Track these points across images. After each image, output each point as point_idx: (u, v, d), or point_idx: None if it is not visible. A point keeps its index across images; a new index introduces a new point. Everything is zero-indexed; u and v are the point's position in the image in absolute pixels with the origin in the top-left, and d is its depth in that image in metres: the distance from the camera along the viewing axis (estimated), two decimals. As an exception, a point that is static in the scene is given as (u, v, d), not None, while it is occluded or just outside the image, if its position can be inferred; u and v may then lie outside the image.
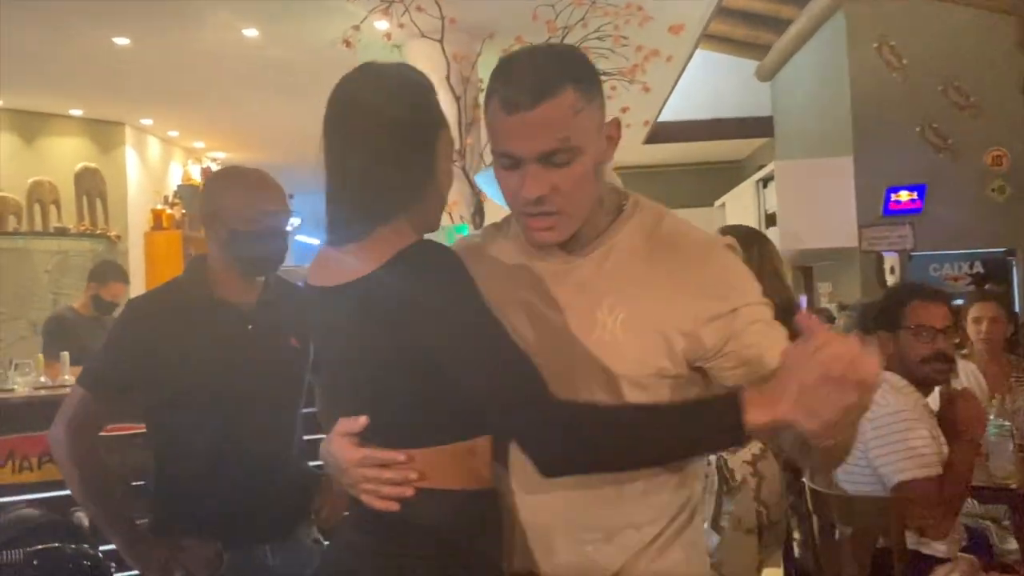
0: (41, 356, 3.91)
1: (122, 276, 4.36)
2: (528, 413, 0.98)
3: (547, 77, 1.05)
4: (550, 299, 1.11)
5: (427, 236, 1.09)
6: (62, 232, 5.19)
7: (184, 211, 6.08)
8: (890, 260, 5.13)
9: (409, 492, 1.01)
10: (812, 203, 5.09)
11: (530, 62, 1.07)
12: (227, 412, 1.49)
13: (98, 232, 5.31)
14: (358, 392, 1.06)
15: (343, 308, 1.05)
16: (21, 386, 3.36)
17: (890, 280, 5.06)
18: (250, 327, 1.54)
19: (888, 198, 5.14)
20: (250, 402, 1.50)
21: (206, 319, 1.53)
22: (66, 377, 3.68)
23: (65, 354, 3.77)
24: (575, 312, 1.09)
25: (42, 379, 3.61)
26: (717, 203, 6.97)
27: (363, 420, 1.03)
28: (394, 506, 1.02)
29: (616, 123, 1.11)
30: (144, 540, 1.55)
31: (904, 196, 5.16)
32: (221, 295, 1.56)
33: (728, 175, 7.76)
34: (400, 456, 1.01)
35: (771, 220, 5.42)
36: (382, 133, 1.05)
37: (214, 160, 6.81)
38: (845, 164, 5.14)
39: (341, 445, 1.04)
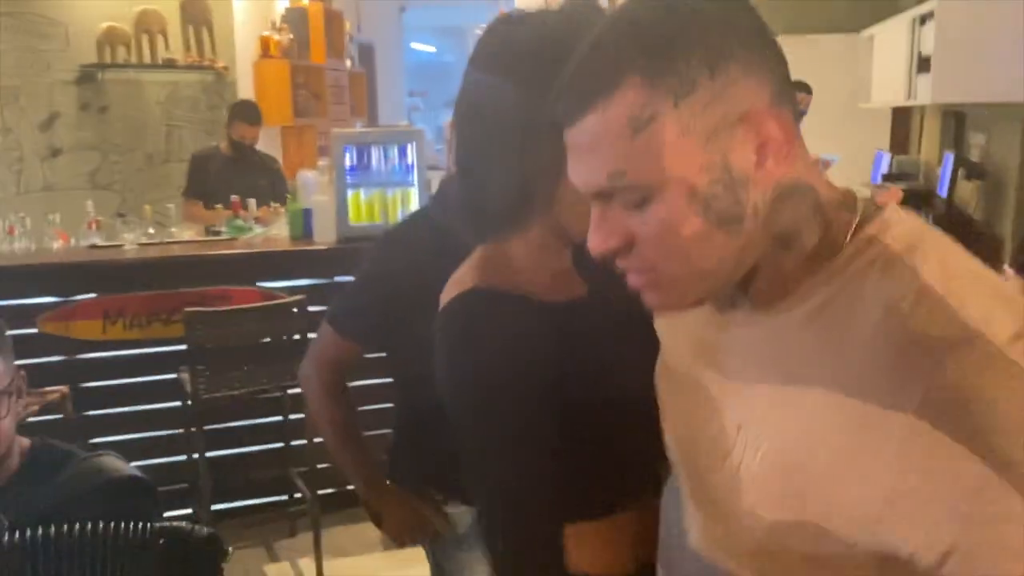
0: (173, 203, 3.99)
1: (245, 115, 4.38)
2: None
3: (599, 66, 0.66)
4: (705, 371, 0.78)
5: None
6: (171, 64, 5.12)
7: (292, 36, 5.91)
8: (1061, 120, 4.50)
9: None
10: (976, 49, 4.44)
11: (594, 33, 0.69)
12: None
13: (205, 63, 5.22)
14: None
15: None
16: (129, 243, 3.43)
17: (1056, 143, 4.46)
18: None
19: (1070, 45, 4.43)
20: None
21: None
22: (172, 229, 3.74)
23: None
24: (717, 405, 0.75)
25: (150, 231, 3.68)
26: (864, 33, 6.25)
27: None
28: None
29: (774, 114, 0.67)
30: (388, 489, 1.55)
31: (1089, 43, 4.43)
32: None
33: (881, 2, 6.90)
34: None
35: (924, 65, 4.80)
36: None
37: (322, -21, 6.49)
38: (1019, 7, 4.42)
39: None
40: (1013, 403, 0.58)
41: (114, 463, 1.52)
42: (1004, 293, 0.65)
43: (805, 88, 5.32)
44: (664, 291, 0.72)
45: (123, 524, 1.36)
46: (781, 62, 0.70)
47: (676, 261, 0.69)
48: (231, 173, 4.29)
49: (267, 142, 5.71)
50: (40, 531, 1.29)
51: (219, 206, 3.96)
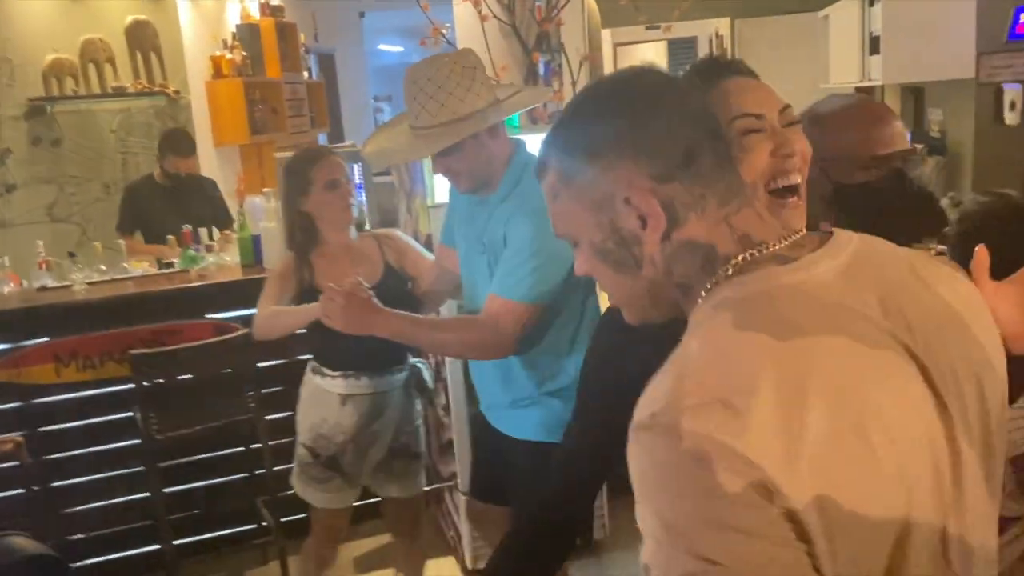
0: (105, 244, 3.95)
1: (176, 148, 4.32)
2: None
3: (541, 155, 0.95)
4: None
5: None
6: (121, 92, 5.08)
7: (244, 54, 5.86)
8: (1011, 94, 4.49)
9: None
10: (924, 26, 4.43)
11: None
12: None
13: (156, 88, 5.18)
14: None
15: None
16: (78, 283, 3.40)
17: (1009, 117, 4.46)
18: None
19: (1016, 19, 4.42)
20: None
21: None
22: (124, 265, 3.71)
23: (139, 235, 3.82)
24: None
25: (102, 267, 3.65)
26: (821, 13, 6.24)
27: None
28: None
29: (655, 190, 0.85)
30: None
31: (1036, 16, 4.43)
32: None
33: (837, -21, 6.89)
34: None
35: (875, 45, 4.79)
36: None
37: (273, -8, 6.43)
38: (967, -22, 4.41)
39: None
40: (637, 474, 0.74)
41: (21, 543, 1.50)
42: (712, 376, 0.74)
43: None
44: (623, 311, 0.96)
45: None
46: (676, 144, 0.85)
47: (608, 292, 0.95)
48: (168, 203, 4.23)
49: (226, 161, 5.69)
50: None
51: (171, 237, 3.92)
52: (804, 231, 0.90)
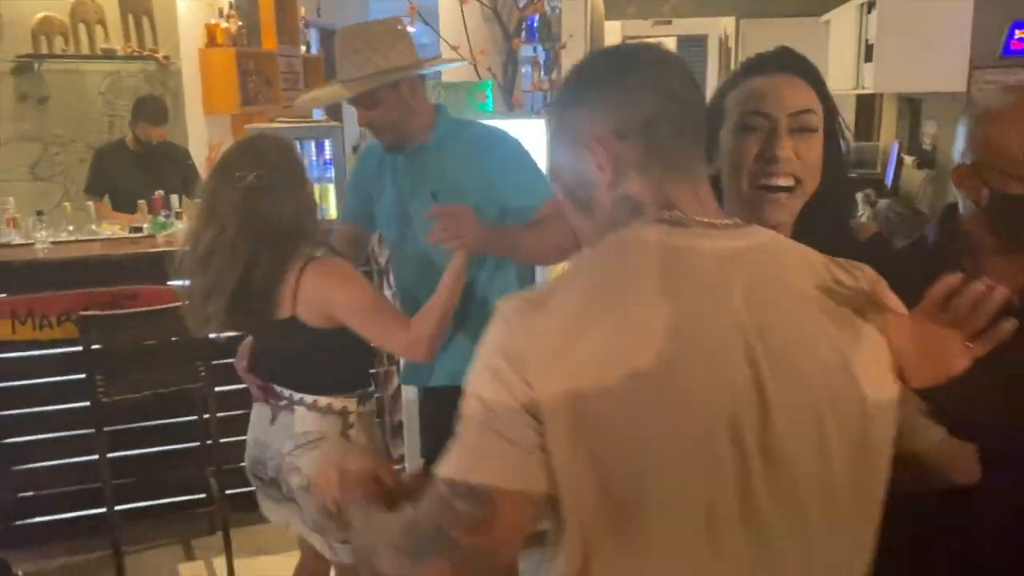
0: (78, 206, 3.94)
1: (148, 115, 4.30)
2: None
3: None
4: None
5: None
6: (110, 55, 5.07)
7: (240, 24, 5.84)
8: (1002, 110, 4.44)
9: None
10: (918, 38, 4.37)
11: None
12: None
13: (146, 53, 5.17)
14: None
15: None
16: (40, 242, 3.40)
17: (998, 133, 4.41)
18: None
19: (1011, 35, 4.37)
20: None
21: None
22: (92, 227, 3.71)
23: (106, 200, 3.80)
24: None
25: (70, 228, 3.65)
26: (823, 18, 6.18)
27: None
28: None
29: (608, 145, 1.00)
30: None
31: (1030, 33, 4.38)
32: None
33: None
34: None
35: (869, 53, 4.73)
36: None
37: (275, -36, 6.40)
38: (963, -8, 4.35)
39: None
40: None
41: None
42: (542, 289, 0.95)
43: None
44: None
45: None
46: (638, 110, 0.95)
47: (574, 229, 1.04)
48: (138, 169, 4.23)
49: (216, 130, 5.67)
50: None
51: (142, 202, 3.92)
52: (738, 221, 0.98)
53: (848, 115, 6.55)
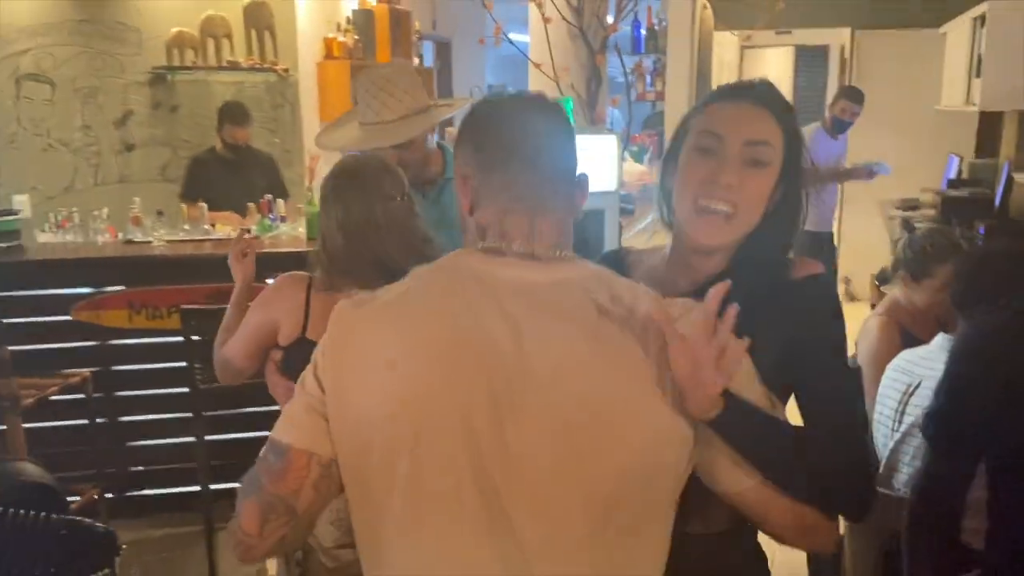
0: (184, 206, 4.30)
1: (232, 118, 4.58)
2: None
3: None
4: None
5: None
6: (234, 66, 5.46)
7: (356, 38, 6.15)
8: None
9: None
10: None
11: None
12: None
13: (267, 66, 5.53)
14: None
15: None
16: (158, 239, 3.73)
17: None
18: None
19: None
20: None
21: None
22: (205, 227, 4.03)
23: (203, 205, 4.12)
24: None
25: (186, 227, 3.98)
26: (941, 29, 5.95)
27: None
28: None
29: (470, 183, 1.16)
30: None
31: None
32: None
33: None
34: None
35: (980, 68, 4.55)
36: None
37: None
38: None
39: None
40: None
41: (28, 468, 1.73)
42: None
43: (853, 96, 5.14)
44: None
45: (30, 512, 1.56)
46: (487, 154, 1.11)
47: None
48: (228, 174, 4.52)
49: (327, 139, 6.00)
50: None
51: (251, 205, 4.22)
52: (568, 255, 1.11)
53: (968, 131, 6.29)
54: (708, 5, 6.34)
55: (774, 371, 1.14)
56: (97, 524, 1.61)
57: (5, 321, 3.20)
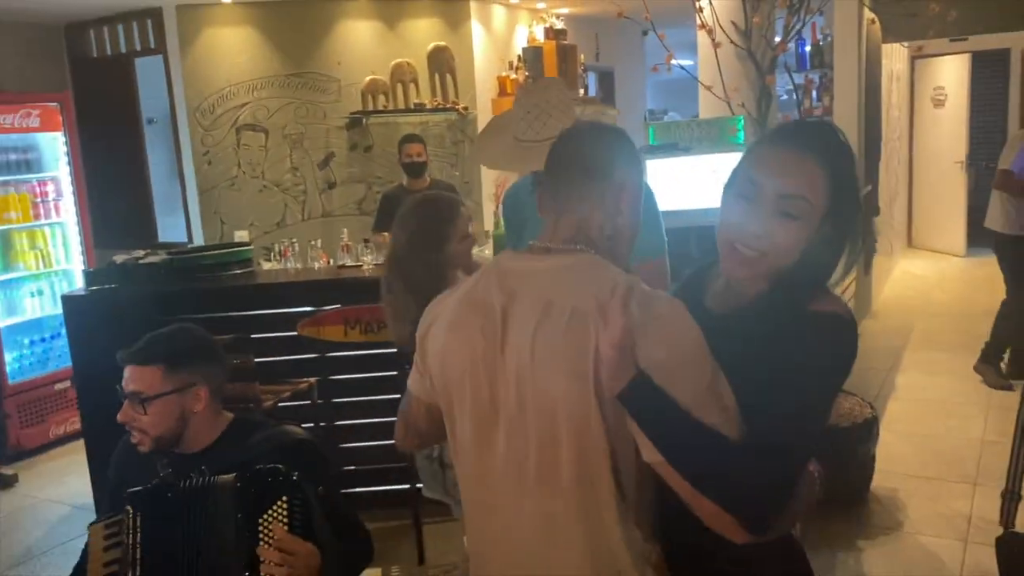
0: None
1: (408, 138, 4.97)
2: None
3: None
4: None
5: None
6: (420, 108, 5.97)
7: (527, 74, 6.56)
8: None
9: None
10: None
11: None
12: None
13: (448, 106, 6.01)
14: None
15: None
16: (367, 264, 4.19)
17: None
18: None
19: None
20: None
21: None
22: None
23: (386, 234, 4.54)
24: None
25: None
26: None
27: None
28: None
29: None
30: None
31: None
32: None
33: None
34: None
35: None
36: None
37: (557, 16, 7.10)
38: None
39: None
40: None
41: (294, 429, 2.08)
42: None
43: None
44: None
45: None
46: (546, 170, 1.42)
47: None
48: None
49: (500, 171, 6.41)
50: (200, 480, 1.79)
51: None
52: (574, 247, 1.35)
53: None
54: (876, 20, 6.31)
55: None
56: (270, 464, 1.82)
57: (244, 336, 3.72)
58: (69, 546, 3.98)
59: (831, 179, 1.29)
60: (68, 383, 5.25)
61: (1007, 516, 2.62)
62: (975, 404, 4.87)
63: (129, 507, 1.75)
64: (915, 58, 9.35)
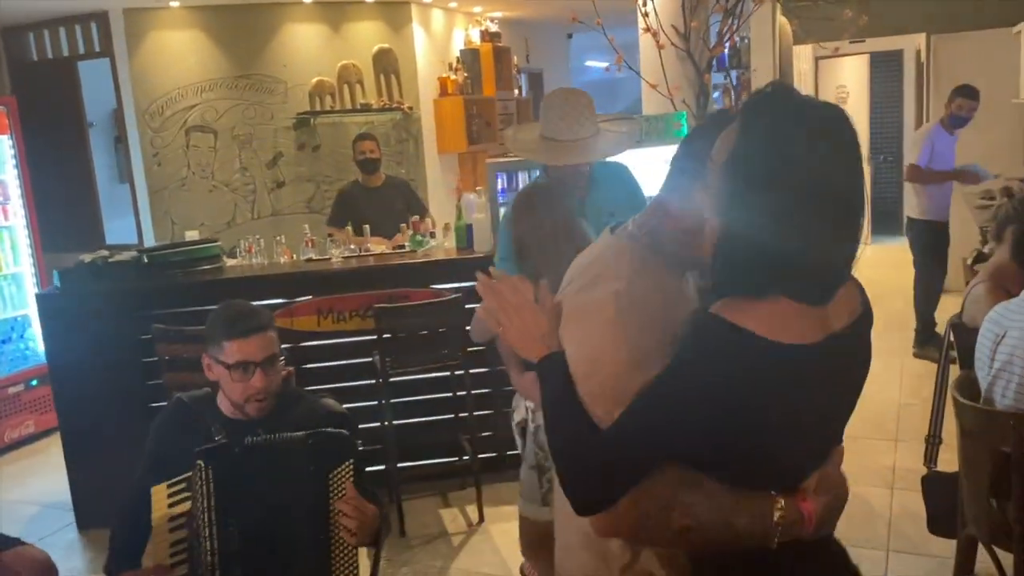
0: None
1: (360, 136, 5.17)
2: None
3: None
4: None
5: None
6: (366, 108, 6.17)
7: (466, 75, 6.82)
8: None
9: None
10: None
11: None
12: None
13: (394, 105, 6.22)
14: None
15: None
16: (336, 257, 4.38)
17: None
18: None
19: None
20: None
21: None
22: (368, 245, 4.68)
23: (349, 229, 4.76)
24: None
25: (352, 247, 4.63)
26: (1015, 29, 6.28)
27: None
28: None
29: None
30: None
31: None
32: None
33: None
34: None
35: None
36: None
37: (491, 20, 7.38)
38: None
39: None
40: None
41: (332, 402, 2.30)
42: None
43: (969, 94, 5.48)
44: None
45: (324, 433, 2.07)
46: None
47: None
48: (371, 200, 5.11)
49: (447, 166, 6.66)
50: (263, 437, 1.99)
51: (403, 225, 4.85)
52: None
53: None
54: (788, 23, 6.81)
55: None
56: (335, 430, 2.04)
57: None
58: (48, 541, 4.05)
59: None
60: (22, 387, 5.25)
61: (931, 458, 3.00)
62: (891, 372, 5.39)
63: (200, 462, 1.92)
64: (819, 58, 9.98)
